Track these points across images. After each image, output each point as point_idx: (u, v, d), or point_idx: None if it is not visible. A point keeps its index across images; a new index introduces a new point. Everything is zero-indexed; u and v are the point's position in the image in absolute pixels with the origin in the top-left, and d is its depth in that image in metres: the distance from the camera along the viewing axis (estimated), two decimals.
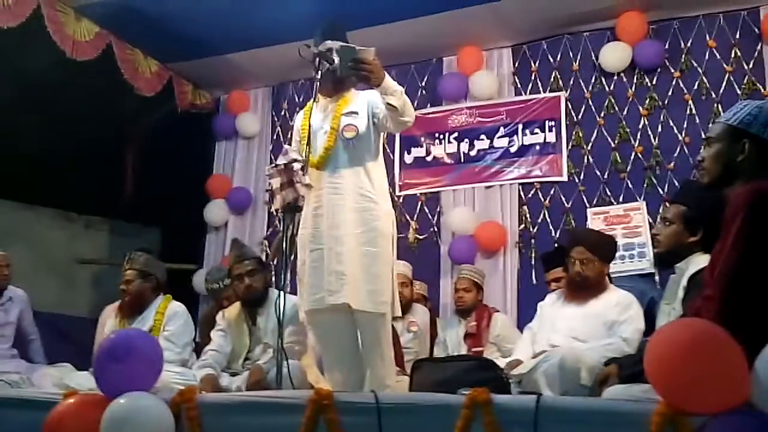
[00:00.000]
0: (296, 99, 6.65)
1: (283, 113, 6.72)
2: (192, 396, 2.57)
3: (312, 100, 3.38)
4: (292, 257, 3.27)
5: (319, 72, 3.31)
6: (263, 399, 2.58)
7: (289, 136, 6.51)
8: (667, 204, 4.12)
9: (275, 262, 3.67)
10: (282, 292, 3.14)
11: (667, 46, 5.50)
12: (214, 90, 6.90)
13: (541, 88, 5.86)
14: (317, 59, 3.29)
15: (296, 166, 3.12)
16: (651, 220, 5.22)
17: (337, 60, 3.24)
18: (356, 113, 3.31)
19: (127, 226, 7.45)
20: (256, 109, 6.84)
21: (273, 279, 4.47)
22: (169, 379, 3.55)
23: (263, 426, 2.48)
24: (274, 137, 6.75)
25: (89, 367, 4.16)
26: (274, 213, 3.33)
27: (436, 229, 5.96)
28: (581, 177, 5.60)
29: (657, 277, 5.06)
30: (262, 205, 6.60)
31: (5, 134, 5.59)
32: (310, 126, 3.29)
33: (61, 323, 6.17)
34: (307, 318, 3.38)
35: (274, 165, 3.16)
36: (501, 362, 3.89)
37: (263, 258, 4.96)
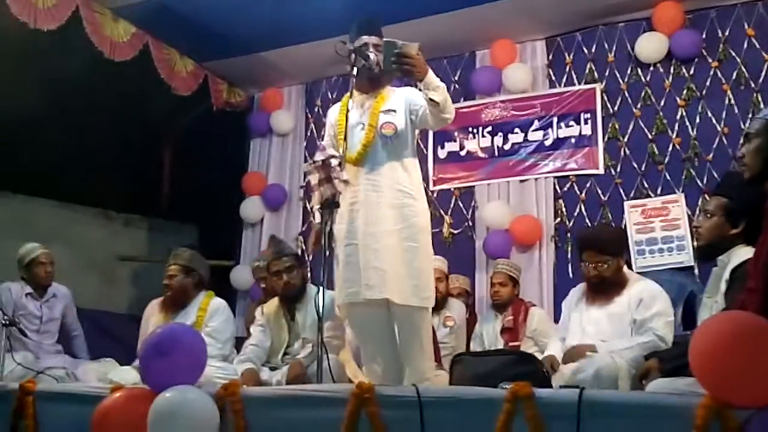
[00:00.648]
0: (330, 96, 6.69)
1: (316, 110, 6.77)
2: (236, 390, 2.61)
3: (348, 95, 3.39)
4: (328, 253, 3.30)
5: (355, 68, 3.33)
6: (307, 393, 2.61)
7: (322, 132, 6.60)
8: (708, 196, 4.07)
9: (312, 257, 3.69)
10: (321, 288, 3.17)
11: (704, 36, 5.41)
12: (249, 88, 6.97)
13: (575, 80, 5.81)
14: (353, 55, 3.32)
15: (334, 162, 3.14)
16: (690, 213, 5.16)
17: (373, 56, 3.27)
18: (394, 111, 3.32)
19: (165, 223, 7.55)
20: (290, 106, 6.89)
21: (310, 274, 4.52)
22: (211, 374, 3.61)
23: (306, 419, 2.51)
24: (308, 134, 6.80)
25: (131, 362, 4.26)
26: (310, 210, 3.37)
27: (470, 224, 5.95)
28: (618, 169, 5.55)
29: (696, 270, 5.00)
30: (297, 201, 6.65)
31: (46, 135, 5.73)
32: (347, 121, 3.31)
33: (103, 320, 6.27)
34: (342, 312, 3.42)
35: (312, 161, 3.18)
36: (538, 357, 3.88)
37: (300, 254, 5.01)
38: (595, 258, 3.60)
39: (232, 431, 2.55)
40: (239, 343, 4.39)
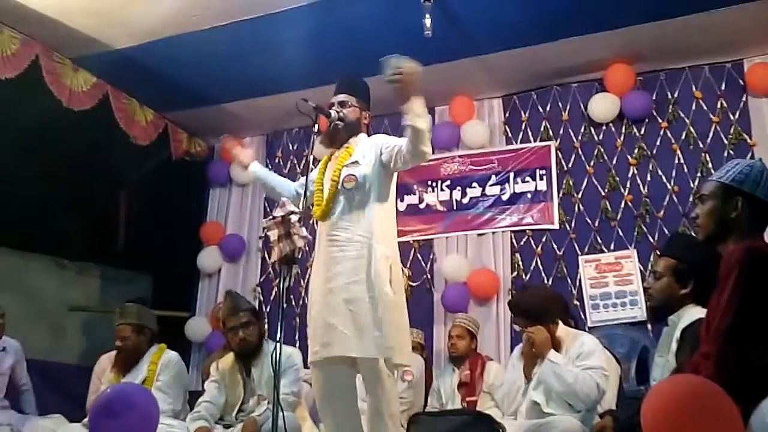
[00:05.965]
0: (290, 147, 6.73)
1: (277, 161, 6.79)
2: None
3: (311, 151, 3.41)
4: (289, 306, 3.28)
5: (316, 126, 3.37)
6: None
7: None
8: (658, 256, 4.16)
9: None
10: (278, 343, 3.13)
11: (654, 97, 5.61)
12: (209, 138, 6.97)
13: (531, 138, 5.96)
14: (316, 113, 3.36)
15: (293, 218, 3.14)
16: (642, 268, 5.28)
17: (334, 113, 3.35)
18: (358, 162, 3.32)
19: (120, 272, 7.43)
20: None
21: (267, 329, 4.47)
22: None
23: None
24: None
25: (80, 417, 4.13)
26: (271, 264, 3.34)
27: (429, 277, 5.98)
28: (572, 225, 5.66)
29: (649, 325, 5.09)
30: (256, 252, 6.61)
31: (1, 182, 5.63)
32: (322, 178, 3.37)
33: (52, 371, 6.10)
34: (311, 369, 3.36)
35: (271, 217, 3.17)
36: (494, 412, 3.88)
37: (257, 307, 4.96)
38: (524, 325, 3.65)
39: None
40: (194, 397, 4.30)
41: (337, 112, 3.41)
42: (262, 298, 6.37)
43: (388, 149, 3.26)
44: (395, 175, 3.41)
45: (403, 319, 3.24)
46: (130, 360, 4.15)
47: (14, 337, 5.04)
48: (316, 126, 3.43)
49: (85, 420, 3.98)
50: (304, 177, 3.52)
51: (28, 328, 6.01)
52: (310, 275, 3.28)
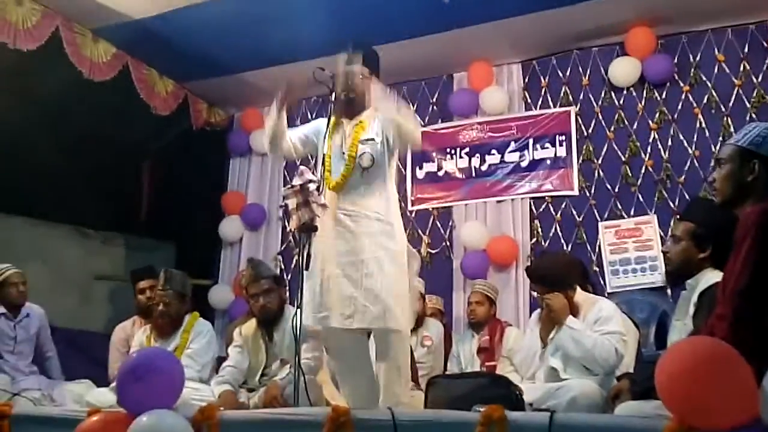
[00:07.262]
0: (309, 116, 6.72)
1: None
2: (213, 414, 2.63)
3: (328, 121, 3.43)
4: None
5: (334, 94, 3.39)
6: (283, 416, 2.63)
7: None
8: (677, 220, 4.15)
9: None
10: (298, 309, 3.19)
11: (676, 61, 5.54)
12: (229, 108, 7.01)
13: (551, 103, 5.92)
14: (332, 81, 3.37)
15: (311, 186, 3.18)
16: (662, 234, 5.26)
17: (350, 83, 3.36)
18: (372, 139, 3.34)
19: (143, 241, 7.52)
20: None
21: (288, 295, 4.54)
22: (188, 396, 3.59)
23: None
24: None
25: (108, 382, 4.23)
26: (290, 232, 3.38)
27: (448, 244, 6.01)
28: (592, 191, 5.64)
29: (669, 290, 5.09)
30: (276, 221, 6.67)
31: (25, 152, 5.71)
32: (331, 147, 3.36)
33: (79, 339, 6.22)
34: (322, 336, 3.43)
35: (290, 186, 3.21)
36: (514, 376, 3.91)
37: (278, 274, 5.02)
38: (542, 292, 3.64)
39: None
40: (218, 363, 4.38)
41: (350, 82, 3.42)
42: (283, 266, 6.44)
43: (390, 132, 3.35)
44: (396, 153, 3.50)
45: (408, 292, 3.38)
46: (171, 326, 4.23)
47: (38, 305, 5.13)
48: (333, 95, 3.44)
49: (113, 385, 4.09)
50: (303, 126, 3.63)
51: (55, 297, 6.13)
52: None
